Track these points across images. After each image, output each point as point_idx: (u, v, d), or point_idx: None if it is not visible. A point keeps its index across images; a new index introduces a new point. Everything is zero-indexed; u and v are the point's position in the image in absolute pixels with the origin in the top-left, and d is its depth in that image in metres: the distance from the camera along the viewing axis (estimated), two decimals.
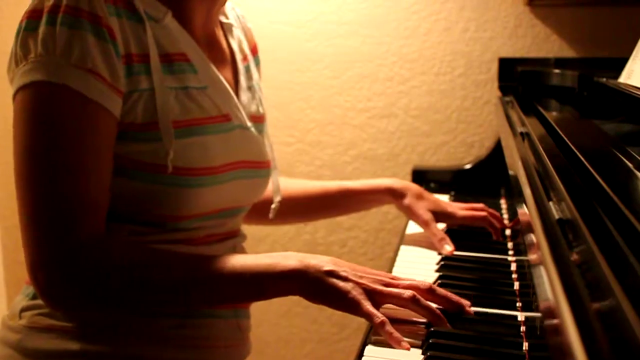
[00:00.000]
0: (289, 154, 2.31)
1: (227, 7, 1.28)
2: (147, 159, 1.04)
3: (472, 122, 2.21)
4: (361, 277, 0.99)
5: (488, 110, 2.19)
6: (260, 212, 1.36)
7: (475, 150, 2.19)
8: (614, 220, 0.64)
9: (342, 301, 0.97)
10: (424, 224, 1.42)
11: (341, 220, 2.29)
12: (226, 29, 1.26)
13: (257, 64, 1.36)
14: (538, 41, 2.14)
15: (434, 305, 1.00)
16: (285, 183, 1.42)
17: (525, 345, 0.95)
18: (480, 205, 1.51)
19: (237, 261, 1.02)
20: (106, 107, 1.00)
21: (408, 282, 1.01)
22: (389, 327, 0.93)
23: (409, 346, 0.93)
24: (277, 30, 2.25)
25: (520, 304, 1.10)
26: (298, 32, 2.25)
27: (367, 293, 0.97)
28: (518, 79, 1.79)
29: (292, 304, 2.36)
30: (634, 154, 0.87)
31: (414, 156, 2.24)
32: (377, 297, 0.98)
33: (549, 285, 0.63)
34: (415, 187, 1.47)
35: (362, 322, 0.99)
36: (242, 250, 1.25)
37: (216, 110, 1.12)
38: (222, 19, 1.26)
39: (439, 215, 1.44)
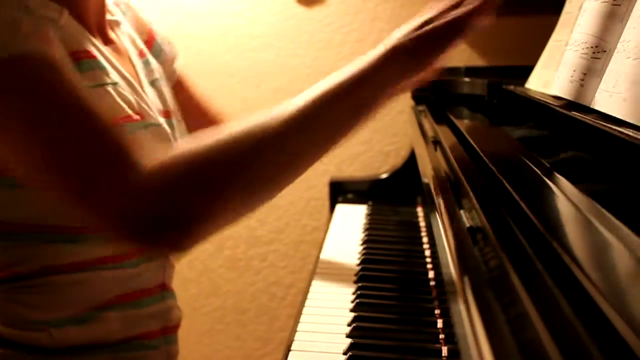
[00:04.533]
0: None
1: (109, 3, 1.18)
2: None
3: (387, 132, 2.23)
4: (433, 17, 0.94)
5: (402, 119, 2.21)
6: None
7: (392, 160, 2.21)
8: (522, 227, 0.65)
9: (446, 36, 0.93)
10: None
11: (261, 234, 2.28)
12: (114, 26, 1.17)
13: (159, 52, 1.28)
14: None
15: None
16: None
17: (445, 351, 0.96)
18: None
19: (326, 85, 0.92)
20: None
21: None
22: None
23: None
24: (190, 45, 2.22)
25: (439, 311, 1.11)
26: (211, 46, 2.23)
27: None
28: (430, 88, 1.81)
29: (214, 322, 2.33)
30: (542, 160, 0.89)
31: (331, 167, 2.24)
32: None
33: (460, 291, 0.63)
34: None
35: (284, 337, 0.98)
36: (171, 267, 1.19)
37: (131, 108, 1.04)
38: (108, 16, 1.16)
39: None
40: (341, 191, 1.92)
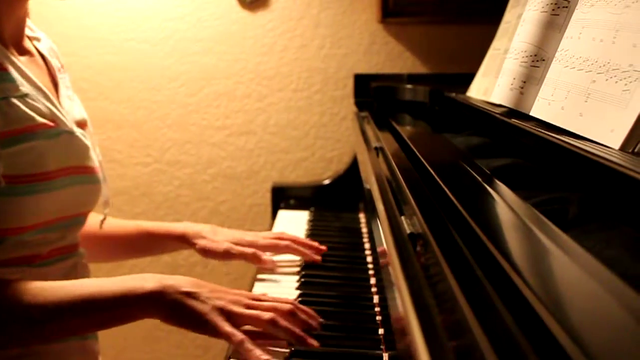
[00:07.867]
0: (147, 174, 2.25)
1: (29, 24, 1.23)
2: None
3: (330, 138, 2.23)
4: (220, 297, 0.98)
5: (345, 125, 2.22)
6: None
7: (334, 166, 2.21)
8: (461, 233, 0.65)
9: (199, 324, 0.96)
10: (224, 254, 1.35)
11: None
12: (33, 40, 1.23)
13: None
14: (392, 57, 2.19)
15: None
16: (92, 220, 1.35)
17: (385, 358, 0.96)
18: (286, 236, 1.44)
19: (93, 288, 0.98)
20: None
21: (269, 304, 1.00)
22: (249, 345, 0.93)
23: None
24: (132, 48, 2.19)
25: (380, 318, 1.11)
26: (153, 50, 2.20)
27: (226, 314, 0.96)
28: (373, 95, 1.82)
29: (154, 328, 2.30)
30: (482, 166, 0.89)
31: (274, 173, 2.23)
32: (236, 319, 0.97)
33: (399, 296, 0.63)
34: (208, 227, 1.40)
35: (226, 344, 0.97)
36: (85, 268, 1.22)
37: (41, 117, 1.09)
38: (28, 32, 1.22)
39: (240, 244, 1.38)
40: (283, 197, 1.91)
